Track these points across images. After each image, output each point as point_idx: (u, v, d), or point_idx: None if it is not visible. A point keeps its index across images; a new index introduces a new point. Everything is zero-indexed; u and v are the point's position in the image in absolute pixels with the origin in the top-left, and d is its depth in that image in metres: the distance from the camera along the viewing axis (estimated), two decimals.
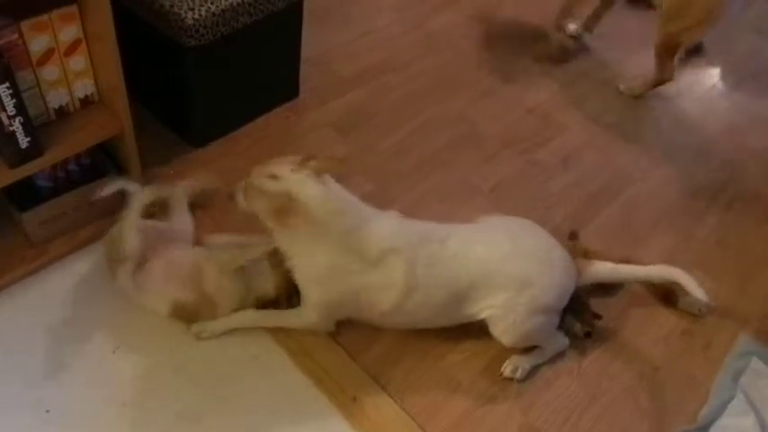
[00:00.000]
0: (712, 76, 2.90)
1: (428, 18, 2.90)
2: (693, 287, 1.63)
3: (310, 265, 1.50)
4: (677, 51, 2.44)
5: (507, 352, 1.66)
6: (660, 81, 2.56)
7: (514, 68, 2.69)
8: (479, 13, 2.98)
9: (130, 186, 1.68)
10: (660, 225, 2.13)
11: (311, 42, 2.42)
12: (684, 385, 1.72)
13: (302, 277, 1.54)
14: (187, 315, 1.61)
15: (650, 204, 2.20)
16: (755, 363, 1.73)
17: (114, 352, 1.60)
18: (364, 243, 1.46)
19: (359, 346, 1.67)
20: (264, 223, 1.48)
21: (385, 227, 1.50)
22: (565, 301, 1.64)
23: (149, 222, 1.67)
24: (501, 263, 1.56)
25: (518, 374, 1.65)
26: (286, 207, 1.40)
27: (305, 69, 2.36)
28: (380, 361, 1.66)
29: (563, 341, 1.72)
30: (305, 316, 1.59)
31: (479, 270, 1.54)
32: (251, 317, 1.63)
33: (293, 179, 1.42)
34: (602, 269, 1.71)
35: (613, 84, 2.71)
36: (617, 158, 2.36)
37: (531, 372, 1.67)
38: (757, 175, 2.38)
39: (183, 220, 1.77)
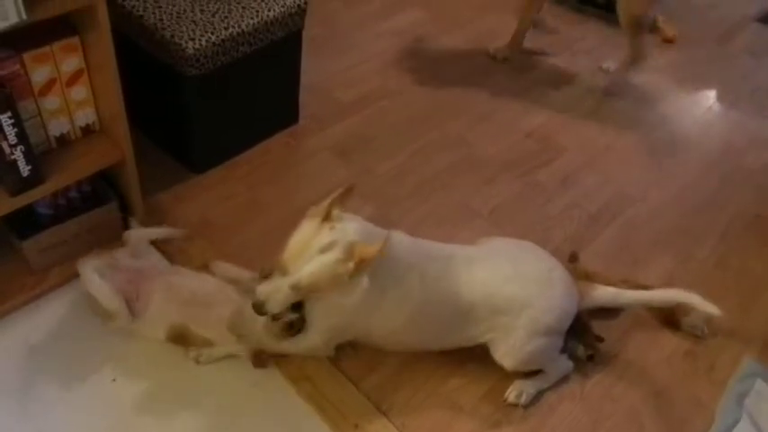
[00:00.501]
0: (709, 97, 2.92)
1: (426, 44, 2.94)
2: (702, 304, 1.62)
3: (344, 299, 1.43)
4: (644, 27, 2.60)
5: (510, 377, 1.65)
6: (636, 59, 2.73)
7: (512, 92, 2.72)
8: (476, 39, 3.02)
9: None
10: (659, 246, 2.13)
11: (311, 69, 2.45)
12: (689, 408, 1.70)
13: (323, 310, 1.49)
14: (183, 339, 1.61)
15: (649, 225, 2.20)
16: (759, 385, 1.72)
17: (114, 381, 1.59)
18: (388, 263, 1.43)
19: (360, 372, 1.66)
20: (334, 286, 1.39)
21: (403, 244, 1.50)
22: (567, 323, 1.63)
23: (126, 262, 1.68)
24: (501, 285, 1.54)
25: (522, 399, 1.63)
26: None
27: (304, 96, 2.38)
28: (382, 387, 1.64)
29: (567, 365, 1.70)
30: (309, 341, 1.56)
31: (481, 291, 1.53)
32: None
33: (342, 230, 1.35)
34: (605, 294, 1.70)
35: (612, 104, 2.74)
36: (616, 180, 2.37)
37: (536, 397, 1.66)
38: (756, 196, 2.39)
39: (152, 254, 1.81)
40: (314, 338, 1.55)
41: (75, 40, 1.52)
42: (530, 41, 2.95)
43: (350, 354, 1.68)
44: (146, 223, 1.87)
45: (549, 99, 2.72)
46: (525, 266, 1.62)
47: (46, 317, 1.69)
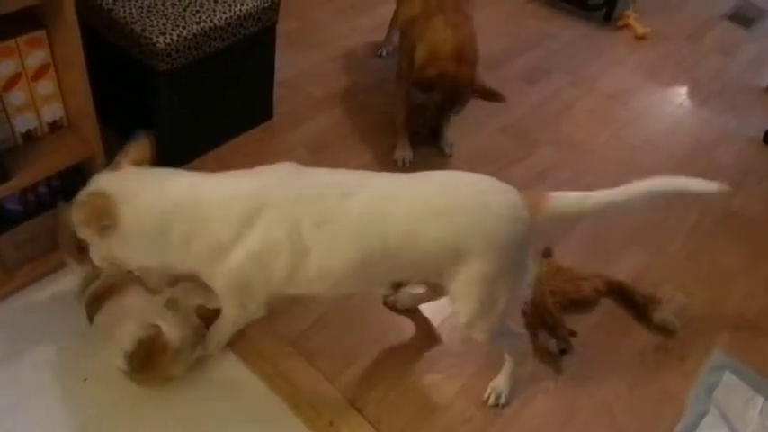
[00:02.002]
0: (680, 94, 2.96)
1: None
2: (697, 185, 1.41)
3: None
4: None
5: (485, 372, 1.66)
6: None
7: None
8: None
9: None
10: (632, 241, 2.16)
11: (285, 65, 2.43)
12: (660, 400, 1.72)
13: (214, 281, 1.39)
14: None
15: (622, 221, 2.22)
16: (728, 377, 1.75)
17: (85, 380, 1.56)
18: (224, 209, 1.30)
19: (335, 370, 1.66)
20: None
21: (245, 185, 1.34)
22: (519, 255, 1.36)
23: None
24: (428, 223, 1.29)
25: (502, 400, 1.63)
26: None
27: (279, 91, 2.37)
28: (357, 384, 1.64)
29: (521, 341, 1.61)
30: (228, 313, 1.48)
31: (400, 230, 1.29)
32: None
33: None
34: (564, 202, 1.36)
35: (585, 100, 2.76)
36: (589, 175, 2.40)
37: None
38: (726, 191, 2.42)
39: None
40: (231, 309, 1.47)
41: (41, 33, 1.49)
42: (502, 38, 2.95)
43: (325, 352, 1.67)
44: None
45: (523, 94, 2.74)
46: (458, 198, 1.33)
47: (15, 315, 1.66)
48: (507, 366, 1.63)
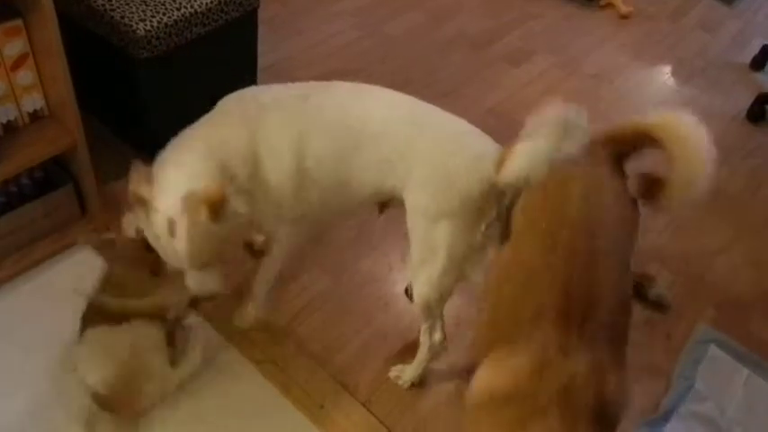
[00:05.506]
0: (663, 73, 2.97)
1: (385, 23, 2.92)
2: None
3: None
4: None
5: (472, 352, 1.67)
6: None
7: (472, 69, 2.73)
8: (436, 17, 3.01)
9: None
10: None
11: (269, 51, 2.42)
12: (647, 375, 1.75)
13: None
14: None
15: None
16: (713, 350, 1.78)
17: (74, 371, 1.56)
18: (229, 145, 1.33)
19: (325, 353, 1.67)
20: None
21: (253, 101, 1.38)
22: (470, 214, 1.31)
23: None
24: (397, 125, 1.33)
25: (401, 383, 1.62)
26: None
27: (264, 78, 2.35)
28: (347, 367, 1.65)
29: (439, 338, 1.53)
30: (281, 241, 1.51)
31: (368, 129, 1.32)
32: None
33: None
34: (524, 152, 1.27)
35: (570, 81, 2.77)
36: None
37: None
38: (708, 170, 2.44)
39: None
40: (285, 235, 1.51)
41: (18, 22, 1.47)
42: (490, 21, 2.94)
43: (314, 336, 1.67)
44: (101, 211, 1.83)
45: (508, 76, 2.74)
46: (431, 119, 1.39)
47: (1, 307, 1.65)
48: (420, 354, 1.58)
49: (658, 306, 1.90)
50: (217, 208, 1.22)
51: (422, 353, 1.58)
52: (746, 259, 2.10)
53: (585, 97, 2.70)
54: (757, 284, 2.03)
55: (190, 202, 1.22)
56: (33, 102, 1.62)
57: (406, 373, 1.63)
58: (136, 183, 1.25)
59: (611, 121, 2.55)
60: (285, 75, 2.51)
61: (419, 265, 1.39)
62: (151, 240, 1.31)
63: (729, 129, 2.66)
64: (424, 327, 1.52)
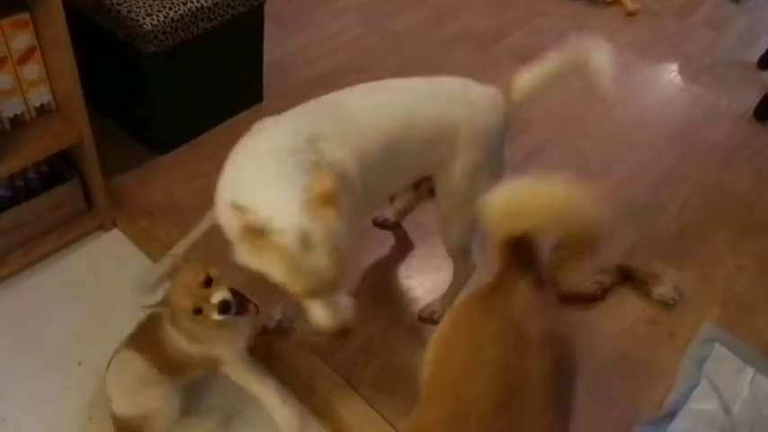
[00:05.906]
0: (670, 71, 2.96)
1: (389, 19, 2.92)
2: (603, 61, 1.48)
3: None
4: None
5: None
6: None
7: (478, 66, 2.72)
8: (439, 14, 3.01)
9: None
10: (623, 218, 2.16)
11: (274, 46, 2.41)
12: (651, 373, 1.75)
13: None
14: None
15: (613, 198, 2.23)
16: (718, 348, 1.77)
17: (80, 364, 1.57)
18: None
19: (329, 349, 1.66)
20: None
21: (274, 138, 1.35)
22: (500, 148, 1.51)
23: None
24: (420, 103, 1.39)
25: (435, 317, 1.70)
26: None
27: (269, 73, 2.35)
28: (351, 362, 1.65)
29: (471, 264, 1.65)
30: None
31: (399, 114, 1.36)
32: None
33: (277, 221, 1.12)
34: (525, 82, 1.54)
35: (570, 82, 2.75)
36: (580, 154, 2.40)
37: None
38: (716, 167, 2.44)
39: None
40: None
41: (25, 15, 1.47)
42: (493, 19, 2.93)
43: None
44: (107, 206, 1.84)
45: (514, 74, 2.72)
46: (439, 85, 1.47)
47: (6, 302, 1.66)
48: (449, 290, 1.72)
49: (663, 304, 1.90)
50: (336, 201, 1.12)
51: (455, 285, 1.69)
52: (752, 258, 2.09)
53: (590, 95, 2.68)
54: (763, 283, 2.02)
55: (314, 206, 1.11)
56: (40, 96, 1.62)
57: (439, 306, 1.72)
58: (241, 217, 1.08)
59: (615, 120, 2.57)
60: (291, 70, 2.51)
61: (455, 212, 1.51)
62: (270, 270, 1.13)
63: (736, 127, 2.65)
64: (456, 264, 1.65)
